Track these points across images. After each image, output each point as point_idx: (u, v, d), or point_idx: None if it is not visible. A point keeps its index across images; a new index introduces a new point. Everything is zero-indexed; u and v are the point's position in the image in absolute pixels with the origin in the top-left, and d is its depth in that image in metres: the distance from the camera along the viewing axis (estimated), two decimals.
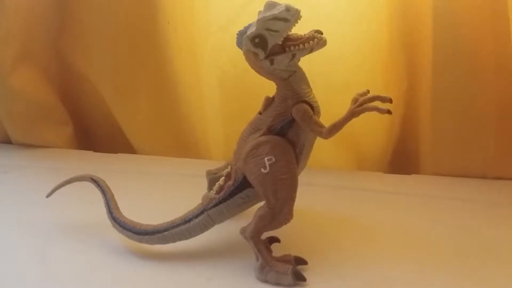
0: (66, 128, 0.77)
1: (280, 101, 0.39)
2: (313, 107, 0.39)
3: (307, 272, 0.38)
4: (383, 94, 0.37)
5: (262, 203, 0.39)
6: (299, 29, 0.38)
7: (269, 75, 0.39)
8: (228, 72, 0.66)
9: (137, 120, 0.73)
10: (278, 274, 0.37)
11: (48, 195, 0.46)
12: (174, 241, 0.40)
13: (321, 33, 0.38)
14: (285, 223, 0.38)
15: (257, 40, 0.37)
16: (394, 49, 0.62)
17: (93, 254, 0.42)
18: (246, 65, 0.39)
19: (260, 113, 0.41)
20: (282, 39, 0.37)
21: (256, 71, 0.40)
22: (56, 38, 0.75)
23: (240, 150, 0.40)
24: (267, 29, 0.37)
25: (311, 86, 0.40)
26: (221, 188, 0.40)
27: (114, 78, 0.72)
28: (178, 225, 0.40)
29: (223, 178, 0.40)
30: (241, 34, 0.39)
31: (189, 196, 0.43)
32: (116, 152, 0.74)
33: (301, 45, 0.37)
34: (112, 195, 0.43)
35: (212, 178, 0.44)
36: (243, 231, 0.39)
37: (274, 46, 0.37)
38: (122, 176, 0.61)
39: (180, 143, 0.73)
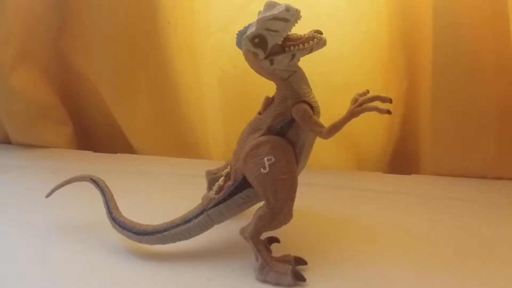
0: (66, 128, 0.77)
1: (280, 101, 0.39)
2: (313, 107, 0.39)
3: (307, 272, 0.38)
4: (383, 94, 0.37)
5: (261, 203, 0.39)
6: (299, 29, 0.38)
7: (269, 75, 0.39)
8: (228, 72, 0.66)
9: (137, 120, 0.73)
10: (277, 274, 0.37)
11: (48, 195, 0.46)
12: (174, 241, 0.40)
13: (321, 33, 0.38)
14: (285, 223, 0.38)
15: (256, 40, 0.37)
16: (394, 49, 0.62)
17: (93, 254, 0.42)
18: (246, 65, 0.39)
19: (259, 113, 0.41)
20: (282, 39, 0.37)
21: (256, 71, 0.40)
22: (56, 38, 0.75)
23: (239, 150, 0.40)
24: (267, 29, 0.37)
25: (311, 86, 0.40)
26: (220, 188, 0.40)
27: (114, 78, 0.72)
28: (177, 225, 0.40)
29: (222, 178, 0.40)
30: (240, 34, 0.39)
31: (189, 196, 0.43)
32: (116, 152, 0.74)
33: (300, 45, 0.37)
34: (112, 195, 0.43)
35: (212, 178, 0.44)
36: (242, 231, 0.39)
37: (274, 46, 0.37)
38: (122, 176, 0.61)
39: (180, 143, 0.73)
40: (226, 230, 0.42)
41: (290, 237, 0.42)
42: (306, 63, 0.40)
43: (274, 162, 0.37)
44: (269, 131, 0.39)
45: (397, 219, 0.49)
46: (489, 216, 0.50)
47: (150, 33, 0.68)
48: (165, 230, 0.40)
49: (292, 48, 0.37)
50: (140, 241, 0.40)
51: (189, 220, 0.40)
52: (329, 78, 0.60)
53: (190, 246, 0.41)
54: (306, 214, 0.49)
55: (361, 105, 0.37)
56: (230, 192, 0.40)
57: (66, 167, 0.66)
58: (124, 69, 0.71)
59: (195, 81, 0.70)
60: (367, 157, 0.67)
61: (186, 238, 0.40)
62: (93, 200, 0.45)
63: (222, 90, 0.68)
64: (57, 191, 0.46)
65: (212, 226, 0.40)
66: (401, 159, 0.67)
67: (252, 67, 0.39)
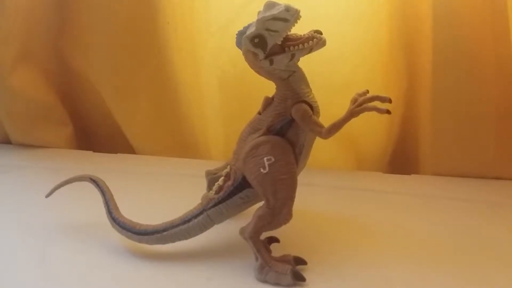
0: (65, 128, 0.77)
1: (280, 101, 0.39)
2: (312, 107, 0.39)
3: (307, 272, 0.38)
4: (382, 94, 0.37)
5: (261, 203, 0.39)
6: (299, 29, 0.38)
7: (268, 75, 0.39)
8: (228, 72, 0.66)
9: (137, 120, 0.73)
10: (277, 274, 0.37)
11: (48, 195, 0.46)
12: (173, 241, 0.40)
13: (321, 33, 0.38)
14: (285, 223, 0.38)
15: (256, 40, 0.37)
16: (394, 49, 0.62)
17: (93, 254, 0.42)
18: (246, 65, 0.40)
19: (259, 113, 0.41)
20: (282, 39, 0.37)
21: (256, 71, 0.40)
22: (56, 38, 0.75)
23: (239, 150, 0.40)
24: (267, 29, 0.37)
25: (311, 86, 0.40)
26: (220, 188, 0.40)
27: (114, 78, 0.72)
28: (177, 225, 0.40)
29: (222, 178, 0.40)
30: (240, 34, 0.39)
31: (189, 196, 0.43)
32: (116, 152, 0.73)
33: (300, 45, 0.37)
34: (112, 195, 0.43)
35: (212, 178, 0.44)
36: (242, 231, 0.39)
37: (273, 46, 0.37)
38: (122, 176, 0.61)
39: (179, 143, 0.73)
40: (226, 230, 0.42)
41: (289, 237, 0.42)
42: (306, 63, 0.40)
43: (274, 162, 0.37)
44: (269, 131, 0.39)
45: (397, 219, 0.49)
46: (489, 216, 0.50)
47: (150, 33, 0.68)
48: (165, 230, 0.40)
49: (291, 48, 0.37)
50: (140, 241, 0.40)
51: (189, 220, 0.40)
52: (329, 78, 0.60)
53: (190, 246, 0.41)
54: (305, 214, 0.49)
55: (360, 105, 0.37)
56: (230, 192, 0.40)
57: (66, 167, 0.66)
58: (124, 69, 0.71)
59: (195, 81, 0.70)
60: (366, 157, 0.67)
61: (186, 238, 0.40)
62: (93, 200, 0.45)
63: (222, 90, 0.68)
64: (57, 191, 0.46)
65: (211, 226, 0.40)
66: (401, 159, 0.67)
67: (251, 67, 0.39)
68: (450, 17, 0.56)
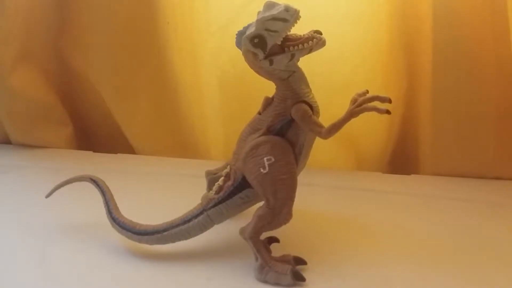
0: (65, 129, 0.77)
1: (280, 101, 0.39)
2: (312, 107, 0.39)
3: (307, 272, 0.38)
4: (382, 94, 0.37)
5: (261, 203, 0.39)
6: (299, 29, 0.38)
7: (268, 75, 0.39)
8: (228, 72, 0.66)
9: (137, 120, 0.73)
10: (277, 274, 0.37)
11: (48, 195, 0.46)
12: (173, 241, 0.40)
13: (320, 33, 0.38)
14: (285, 223, 0.38)
15: (256, 40, 0.37)
16: (394, 49, 0.62)
17: (93, 254, 0.42)
18: (246, 65, 0.40)
19: (259, 113, 0.41)
20: (281, 39, 0.37)
21: (256, 71, 0.40)
22: (56, 38, 0.75)
23: (239, 150, 0.40)
24: (266, 29, 0.37)
25: (311, 86, 0.40)
26: (220, 188, 0.40)
27: (114, 78, 0.72)
28: (177, 225, 0.40)
29: (222, 178, 0.40)
30: (240, 34, 0.39)
31: (189, 196, 0.43)
32: (116, 152, 0.74)
33: (300, 45, 0.37)
34: (112, 195, 0.43)
35: (212, 178, 0.44)
36: (242, 231, 0.39)
37: (273, 46, 0.37)
38: (122, 176, 0.61)
39: (179, 143, 0.73)
40: (226, 230, 0.42)
41: (289, 237, 0.42)
42: (306, 63, 0.40)
43: (274, 162, 0.37)
44: (269, 131, 0.39)
45: (397, 219, 0.49)
46: (489, 216, 0.50)
47: (150, 33, 0.68)
48: (165, 230, 0.40)
49: (291, 48, 0.37)
50: (140, 241, 0.40)
51: (189, 220, 0.40)
52: (329, 78, 0.60)
53: (190, 246, 0.41)
54: (305, 214, 0.49)
55: (360, 105, 0.37)
56: (230, 192, 0.40)
57: (66, 167, 0.66)
58: (124, 69, 0.71)
59: (195, 81, 0.70)
60: (366, 157, 0.67)
61: (186, 238, 0.40)
62: (93, 200, 0.45)
63: (222, 90, 0.68)
64: (57, 191, 0.46)
65: (211, 226, 0.40)
66: (401, 159, 0.67)
67: (251, 67, 0.39)
68: (450, 17, 0.56)
